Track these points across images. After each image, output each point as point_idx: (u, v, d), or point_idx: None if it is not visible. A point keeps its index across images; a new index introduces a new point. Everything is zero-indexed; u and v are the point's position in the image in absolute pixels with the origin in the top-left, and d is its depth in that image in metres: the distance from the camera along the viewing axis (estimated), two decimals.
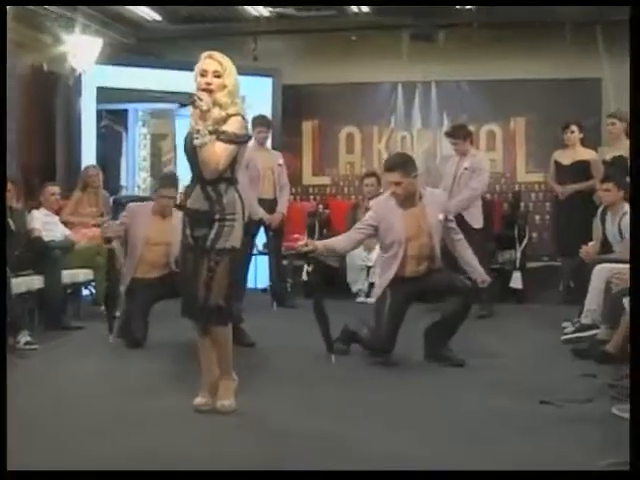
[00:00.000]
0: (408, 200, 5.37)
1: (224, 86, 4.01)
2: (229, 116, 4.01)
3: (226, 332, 4.16)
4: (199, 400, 4.14)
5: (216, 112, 3.98)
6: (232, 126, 4.00)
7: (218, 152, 3.95)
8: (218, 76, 4.00)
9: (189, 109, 4.07)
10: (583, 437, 3.69)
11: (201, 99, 3.94)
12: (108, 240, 6.13)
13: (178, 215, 5.88)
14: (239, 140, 4.03)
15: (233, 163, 4.05)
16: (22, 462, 3.23)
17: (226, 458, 3.48)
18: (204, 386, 4.17)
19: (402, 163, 5.40)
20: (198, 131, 3.92)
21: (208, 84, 3.99)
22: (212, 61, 4.02)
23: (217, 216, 4.02)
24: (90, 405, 4.31)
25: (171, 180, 6.41)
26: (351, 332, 5.50)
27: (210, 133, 3.93)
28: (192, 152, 4.02)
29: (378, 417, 4.12)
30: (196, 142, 3.92)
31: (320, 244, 5.46)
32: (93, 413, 4.15)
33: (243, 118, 4.08)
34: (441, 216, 5.39)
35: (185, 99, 4.22)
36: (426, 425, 3.98)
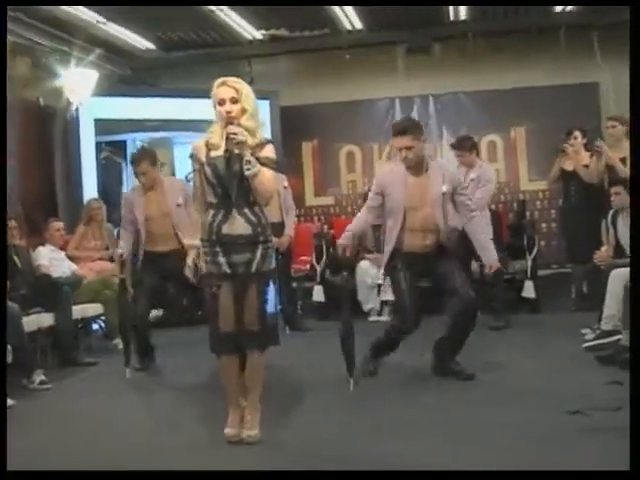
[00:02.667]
0: (417, 167, 5.15)
1: (244, 110, 3.94)
2: (263, 143, 3.98)
3: (264, 356, 4.10)
4: (229, 431, 4.02)
5: (249, 139, 3.92)
6: (271, 152, 4.00)
7: (270, 179, 3.95)
8: (235, 102, 3.92)
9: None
10: (611, 446, 3.57)
11: (235, 133, 3.86)
12: (122, 264, 6.14)
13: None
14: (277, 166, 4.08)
15: None
16: None
17: None
18: (232, 416, 4.06)
19: (413, 126, 5.16)
20: (249, 162, 3.85)
21: (228, 112, 3.92)
22: (227, 88, 3.94)
23: (261, 239, 4.00)
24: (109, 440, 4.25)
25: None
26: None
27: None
28: (234, 179, 3.93)
29: (396, 437, 4.02)
30: (249, 173, 3.85)
31: (352, 237, 5.25)
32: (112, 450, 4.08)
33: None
34: (444, 188, 5.14)
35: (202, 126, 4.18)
36: (449, 441, 3.91)
